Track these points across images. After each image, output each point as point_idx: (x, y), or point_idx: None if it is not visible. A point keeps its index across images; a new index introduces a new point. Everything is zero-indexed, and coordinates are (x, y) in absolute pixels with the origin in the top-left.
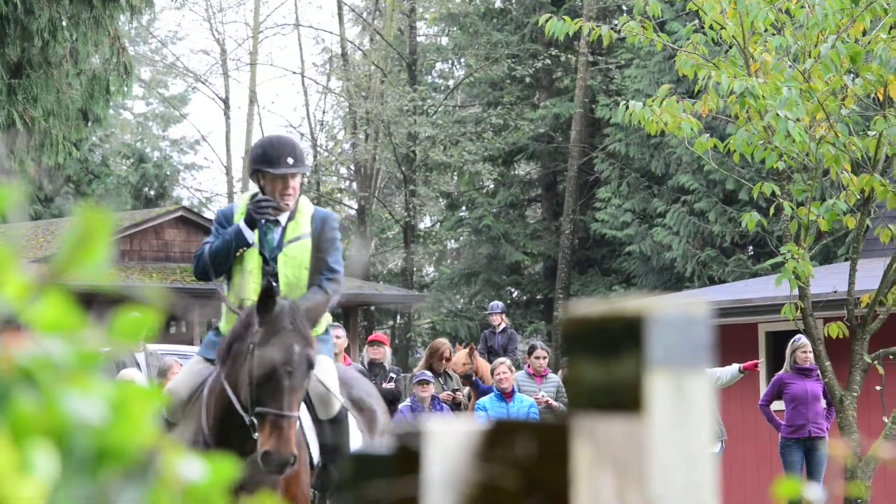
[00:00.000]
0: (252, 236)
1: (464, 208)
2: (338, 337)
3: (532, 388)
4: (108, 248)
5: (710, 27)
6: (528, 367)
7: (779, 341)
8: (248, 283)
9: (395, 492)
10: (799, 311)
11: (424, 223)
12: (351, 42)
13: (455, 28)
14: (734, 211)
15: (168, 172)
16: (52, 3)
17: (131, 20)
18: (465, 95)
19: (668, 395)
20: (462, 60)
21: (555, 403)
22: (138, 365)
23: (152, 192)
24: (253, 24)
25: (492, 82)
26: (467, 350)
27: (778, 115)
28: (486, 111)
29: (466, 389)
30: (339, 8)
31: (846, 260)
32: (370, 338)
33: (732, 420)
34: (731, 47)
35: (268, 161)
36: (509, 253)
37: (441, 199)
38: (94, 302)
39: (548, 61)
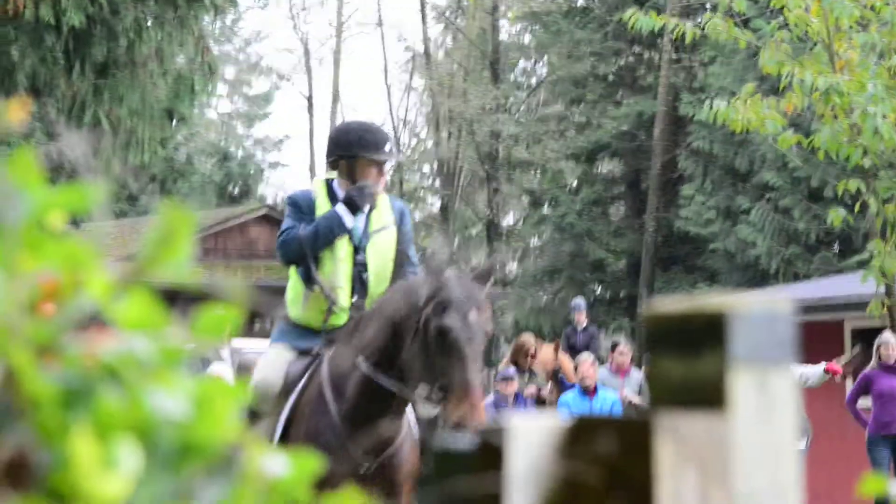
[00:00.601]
0: (352, 222)
1: (547, 206)
2: None
3: (614, 385)
4: (191, 245)
5: (795, 24)
6: (611, 363)
7: (865, 338)
8: (341, 270)
9: (477, 488)
10: (885, 308)
11: (507, 221)
12: (433, 40)
13: (537, 26)
14: (819, 208)
15: (252, 171)
16: (138, 4)
17: (215, 20)
18: (548, 93)
19: (752, 392)
20: (545, 58)
21: (637, 400)
22: (224, 361)
23: (236, 191)
24: (336, 22)
25: (574, 80)
26: (553, 346)
27: (866, 111)
28: (569, 109)
29: (549, 385)
30: (423, 6)
31: None
32: None
33: (818, 417)
34: (815, 44)
35: (367, 146)
36: (592, 250)
37: (524, 197)
38: (178, 299)
39: (630, 59)
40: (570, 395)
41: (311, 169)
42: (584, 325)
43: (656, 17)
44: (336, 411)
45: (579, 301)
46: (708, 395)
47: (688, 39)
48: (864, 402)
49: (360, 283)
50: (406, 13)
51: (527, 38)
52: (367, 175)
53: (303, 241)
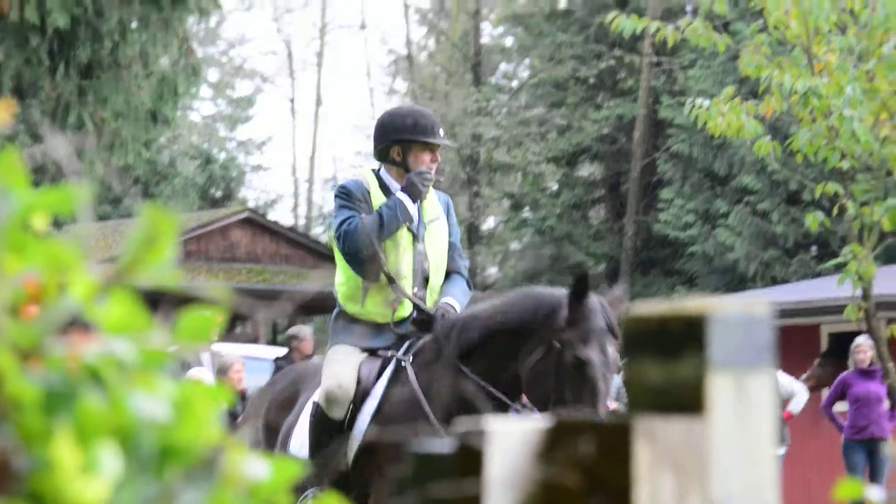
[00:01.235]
0: (415, 210)
1: (527, 209)
2: None
3: None
4: (173, 248)
5: (774, 27)
6: None
7: (841, 342)
8: (404, 260)
9: (456, 491)
10: (862, 311)
11: (488, 224)
12: (416, 43)
13: (519, 29)
14: (797, 211)
15: (234, 174)
16: (122, 5)
17: (200, 22)
18: (529, 96)
19: (730, 395)
20: (526, 61)
21: (615, 404)
22: (204, 364)
23: (219, 194)
24: (319, 25)
25: (556, 83)
26: None
27: (843, 114)
28: (550, 112)
29: None
30: (406, 9)
31: None
32: None
33: (794, 421)
34: (794, 48)
35: (421, 131)
36: (572, 254)
37: (505, 200)
38: (161, 302)
39: (612, 62)
40: None
41: (294, 172)
42: None
43: (637, 20)
44: (436, 419)
45: None
46: (686, 399)
47: (669, 43)
48: (840, 407)
49: (420, 274)
50: (389, 16)
51: (509, 41)
52: (421, 160)
53: (369, 229)
